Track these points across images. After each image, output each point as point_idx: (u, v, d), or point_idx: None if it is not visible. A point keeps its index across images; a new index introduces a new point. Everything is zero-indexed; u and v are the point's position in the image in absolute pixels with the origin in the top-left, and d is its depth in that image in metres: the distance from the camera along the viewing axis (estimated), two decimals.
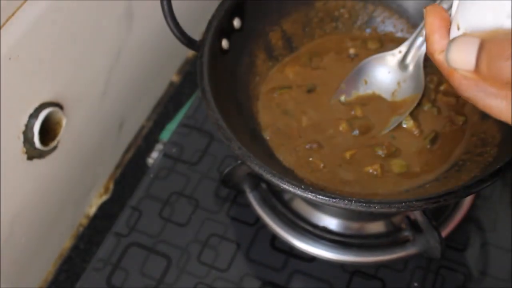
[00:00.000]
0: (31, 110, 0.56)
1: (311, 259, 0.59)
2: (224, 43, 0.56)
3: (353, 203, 0.44)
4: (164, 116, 0.77)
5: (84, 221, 0.70)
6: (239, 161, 0.55)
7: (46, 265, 0.67)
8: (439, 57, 0.36)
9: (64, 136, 0.61)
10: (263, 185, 0.61)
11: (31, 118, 0.56)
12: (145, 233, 0.62)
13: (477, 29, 0.33)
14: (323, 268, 0.59)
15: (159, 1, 0.50)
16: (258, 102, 0.58)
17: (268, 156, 0.54)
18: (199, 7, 0.73)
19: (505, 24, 0.32)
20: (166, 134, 0.72)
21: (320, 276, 0.59)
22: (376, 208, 0.44)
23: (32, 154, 0.58)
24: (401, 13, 0.62)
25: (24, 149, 0.56)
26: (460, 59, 0.33)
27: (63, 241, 0.69)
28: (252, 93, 0.58)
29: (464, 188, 0.45)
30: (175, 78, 0.81)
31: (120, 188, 0.73)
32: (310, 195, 0.45)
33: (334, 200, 0.44)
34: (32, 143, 0.56)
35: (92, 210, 0.71)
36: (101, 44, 0.64)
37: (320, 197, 0.44)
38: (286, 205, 0.61)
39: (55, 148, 0.60)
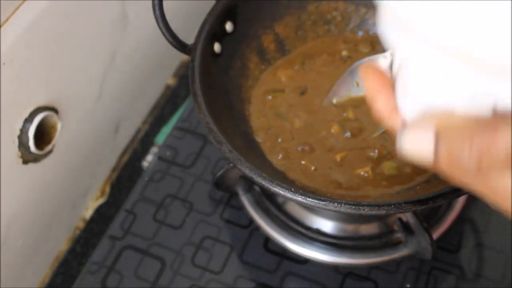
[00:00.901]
0: (26, 115, 0.56)
1: (304, 261, 0.60)
2: (217, 47, 0.56)
3: (342, 205, 0.44)
4: (160, 119, 0.78)
5: (81, 224, 0.71)
6: (231, 164, 0.55)
7: (42, 268, 0.67)
8: (389, 123, 0.32)
9: (59, 140, 0.61)
10: (256, 188, 0.62)
11: (26, 123, 0.56)
12: (139, 236, 0.62)
13: (427, 104, 0.30)
14: (316, 270, 0.59)
15: None
16: (250, 105, 0.58)
17: (260, 158, 0.54)
18: (193, 11, 0.73)
19: (458, 105, 0.28)
20: (161, 137, 0.73)
21: (313, 278, 0.59)
22: (366, 211, 0.44)
23: (28, 158, 0.58)
24: None
25: (19, 153, 0.57)
26: (417, 152, 0.29)
27: (60, 244, 0.69)
28: (244, 96, 0.58)
29: (453, 190, 0.45)
30: (171, 81, 0.82)
31: (116, 191, 0.73)
32: (299, 198, 0.45)
33: (323, 203, 0.45)
34: (27, 147, 0.57)
35: (88, 213, 0.72)
36: (96, 48, 0.64)
37: (310, 199, 0.45)
38: (279, 207, 0.61)
39: (50, 152, 0.61)
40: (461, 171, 0.28)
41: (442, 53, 0.27)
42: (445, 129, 0.28)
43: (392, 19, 0.29)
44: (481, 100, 0.28)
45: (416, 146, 0.29)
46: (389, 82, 0.32)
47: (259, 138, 0.56)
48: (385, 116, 0.32)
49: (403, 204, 0.44)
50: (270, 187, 0.46)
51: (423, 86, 0.30)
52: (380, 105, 0.32)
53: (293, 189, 0.45)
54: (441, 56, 0.28)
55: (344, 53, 0.62)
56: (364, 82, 0.33)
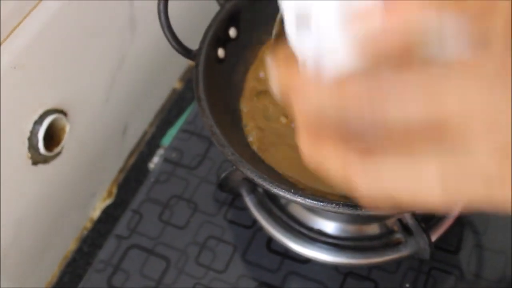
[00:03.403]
0: (35, 117, 0.58)
1: (306, 260, 0.61)
2: (220, 52, 0.57)
3: (340, 206, 0.46)
4: (166, 122, 0.79)
5: (88, 225, 0.73)
6: (234, 166, 0.57)
7: (51, 267, 0.69)
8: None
9: (68, 142, 0.63)
10: (260, 189, 0.63)
11: (36, 125, 0.58)
12: (145, 236, 0.64)
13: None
14: (317, 270, 0.61)
15: None
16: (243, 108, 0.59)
17: (262, 160, 0.55)
18: (198, 17, 0.74)
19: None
20: (167, 140, 0.74)
21: (315, 277, 0.60)
22: (363, 211, 0.46)
23: (37, 159, 0.60)
24: None
25: (29, 155, 0.58)
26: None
27: (68, 244, 0.71)
28: None
29: None
30: (177, 85, 0.83)
31: (123, 192, 0.75)
32: (299, 199, 0.46)
33: (322, 204, 0.46)
34: (37, 149, 0.59)
35: (96, 213, 0.73)
36: (104, 52, 0.66)
37: (309, 200, 0.46)
38: (282, 208, 0.63)
39: (59, 153, 0.63)
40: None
41: None
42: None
43: None
44: None
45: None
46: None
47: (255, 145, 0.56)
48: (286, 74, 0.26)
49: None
50: (271, 188, 0.47)
51: None
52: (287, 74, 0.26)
53: (292, 190, 0.47)
54: None
55: None
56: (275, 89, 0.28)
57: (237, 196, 0.65)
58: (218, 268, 0.61)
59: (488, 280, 0.59)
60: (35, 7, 0.55)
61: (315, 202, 0.46)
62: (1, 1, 0.51)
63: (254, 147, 0.56)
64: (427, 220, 0.60)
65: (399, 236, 0.60)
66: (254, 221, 0.63)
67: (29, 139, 0.58)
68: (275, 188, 0.47)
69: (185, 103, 0.80)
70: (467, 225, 0.63)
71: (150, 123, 0.80)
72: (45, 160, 0.61)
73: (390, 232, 0.60)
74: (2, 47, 0.52)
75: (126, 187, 0.75)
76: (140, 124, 0.79)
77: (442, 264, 0.60)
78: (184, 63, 0.85)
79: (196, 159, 0.69)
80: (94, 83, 0.66)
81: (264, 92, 0.60)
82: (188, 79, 0.83)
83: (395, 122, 0.23)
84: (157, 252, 0.63)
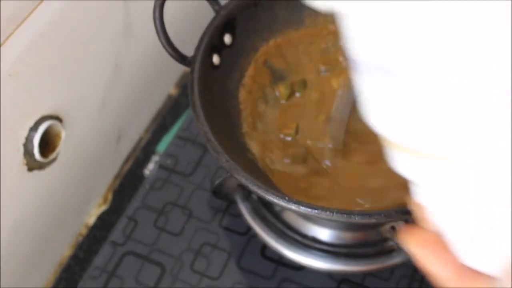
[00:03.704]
0: (31, 123, 0.58)
1: (300, 268, 0.61)
2: (215, 59, 0.58)
3: (334, 214, 0.46)
4: (162, 128, 0.79)
5: (83, 231, 0.72)
6: (228, 173, 0.57)
7: (46, 274, 0.69)
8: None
9: (63, 148, 0.63)
10: (254, 196, 0.63)
11: (31, 131, 0.58)
12: (140, 242, 0.64)
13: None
14: (311, 277, 0.61)
15: None
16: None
17: (257, 167, 0.55)
18: (193, 24, 0.75)
19: None
20: (162, 146, 0.74)
21: (309, 284, 0.60)
22: (357, 219, 0.46)
23: (32, 165, 0.60)
24: None
25: (25, 161, 0.58)
26: None
27: (63, 250, 0.71)
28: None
29: None
30: (173, 91, 0.84)
31: (118, 199, 0.75)
32: (293, 206, 0.46)
33: (316, 211, 0.46)
34: (32, 155, 0.58)
35: (91, 220, 0.73)
36: (99, 58, 0.66)
37: (303, 208, 0.46)
38: (276, 215, 0.63)
39: (54, 159, 0.62)
40: None
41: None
42: None
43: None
44: None
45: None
46: (440, 241, 0.28)
47: (253, 149, 0.57)
48: (454, 283, 0.27)
49: (393, 213, 0.46)
50: (265, 195, 0.47)
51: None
52: (441, 273, 0.27)
53: (287, 198, 0.47)
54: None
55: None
56: (412, 253, 0.29)
57: (232, 202, 0.65)
58: (213, 275, 0.61)
59: None
60: (29, 14, 0.55)
61: (309, 209, 0.46)
62: None
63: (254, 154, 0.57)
64: None
65: (392, 243, 0.60)
66: (249, 228, 0.63)
67: (25, 145, 0.58)
68: (270, 196, 0.47)
69: (181, 109, 0.81)
70: None
71: (145, 129, 0.80)
72: (41, 166, 0.61)
73: (384, 239, 0.60)
74: None
75: (121, 193, 0.75)
76: (135, 130, 0.79)
77: None
78: (180, 69, 0.85)
79: (191, 166, 0.69)
80: (89, 89, 0.66)
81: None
82: (184, 85, 0.84)
83: None
84: (152, 259, 0.63)
